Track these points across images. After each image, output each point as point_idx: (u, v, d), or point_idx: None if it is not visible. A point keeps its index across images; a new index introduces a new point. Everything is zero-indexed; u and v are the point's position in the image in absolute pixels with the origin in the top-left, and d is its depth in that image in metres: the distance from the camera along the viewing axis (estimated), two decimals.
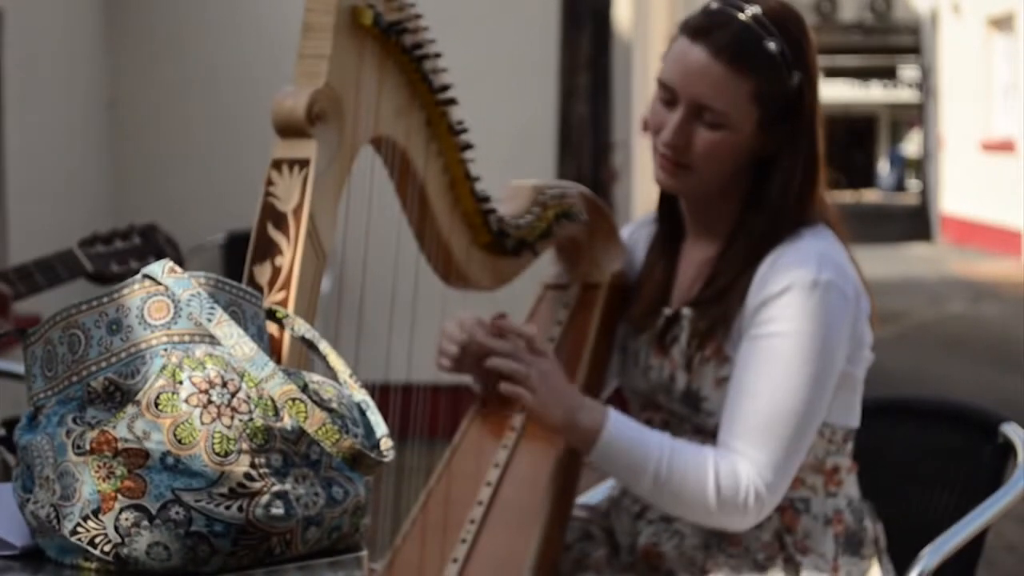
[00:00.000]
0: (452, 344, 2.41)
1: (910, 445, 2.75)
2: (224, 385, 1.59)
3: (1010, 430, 2.61)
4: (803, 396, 2.26)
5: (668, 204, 2.48)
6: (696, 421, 2.37)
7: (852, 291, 2.31)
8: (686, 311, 2.38)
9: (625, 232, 2.61)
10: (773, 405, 2.25)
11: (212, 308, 1.65)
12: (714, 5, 2.32)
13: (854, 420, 2.41)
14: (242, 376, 1.61)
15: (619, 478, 2.34)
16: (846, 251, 2.36)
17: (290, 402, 1.59)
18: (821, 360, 2.26)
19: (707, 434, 2.36)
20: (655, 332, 2.42)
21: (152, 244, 2.85)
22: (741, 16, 2.28)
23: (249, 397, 1.60)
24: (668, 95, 2.33)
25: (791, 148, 2.32)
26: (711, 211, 2.41)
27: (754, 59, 2.27)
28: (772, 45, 2.28)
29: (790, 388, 2.25)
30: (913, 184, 37.61)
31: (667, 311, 2.42)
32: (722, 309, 2.33)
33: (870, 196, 37.03)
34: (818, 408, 2.28)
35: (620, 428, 2.28)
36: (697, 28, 2.30)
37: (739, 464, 2.25)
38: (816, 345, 2.26)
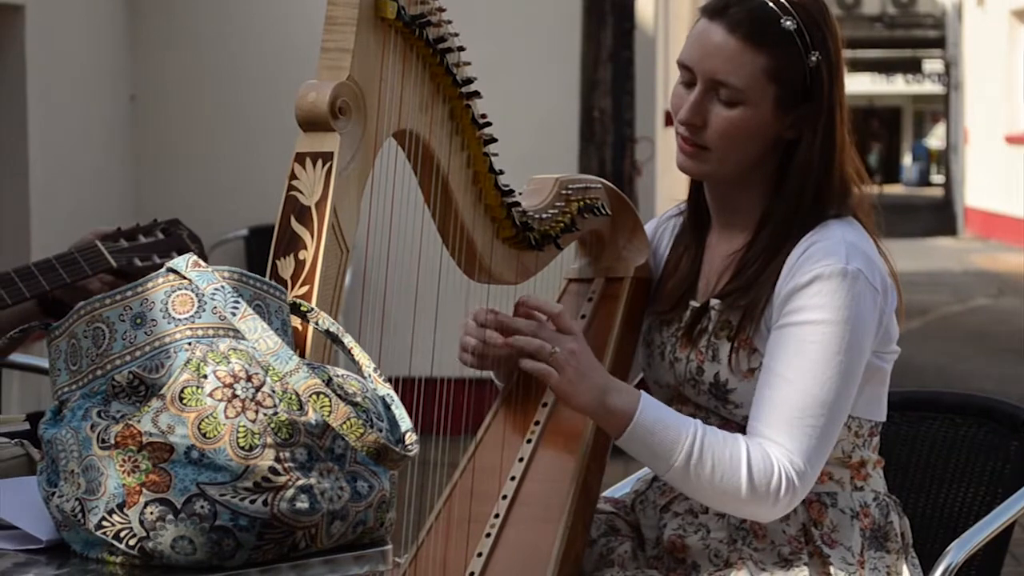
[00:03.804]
0: (472, 339, 2.41)
1: (936, 440, 2.74)
2: (248, 379, 1.59)
3: None
4: (833, 385, 2.25)
5: (696, 194, 2.48)
6: (723, 413, 2.37)
7: (880, 282, 2.30)
8: (714, 303, 2.37)
9: (650, 227, 2.60)
10: (804, 394, 2.25)
11: (236, 302, 1.65)
12: None
13: (881, 414, 2.40)
14: (266, 370, 1.61)
15: (648, 462, 2.32)
16: (875, 243, 2.36)
17: (314, 396, 1.59)
18: (851, 349, 2.26)
19: (734, 426, 2.35)
20: (682, 324, 2.42)
21: (175, 240, 2.86)
22: None
23: (273, 391, 1.60)
24: (687, 76, 2.35)
25: (810, 130, 2.32)
26: (736, 200, 2.41)
27: (770, 35, 2.29)
28: (789, 23, 2.29)
29: (820, 377, 2.25)
30: (937, 178, 37.52)
31: (694, 303, 2.41)
32: (750, 300, 2.33)
33: (894, 190, 36.93)
34: (847, 397, 2.28)
35: (653, 411, 2.26)
36: (715, 7, 2.33)
37: (772, 451, 2.25)
38: (845, 334, 2.25)
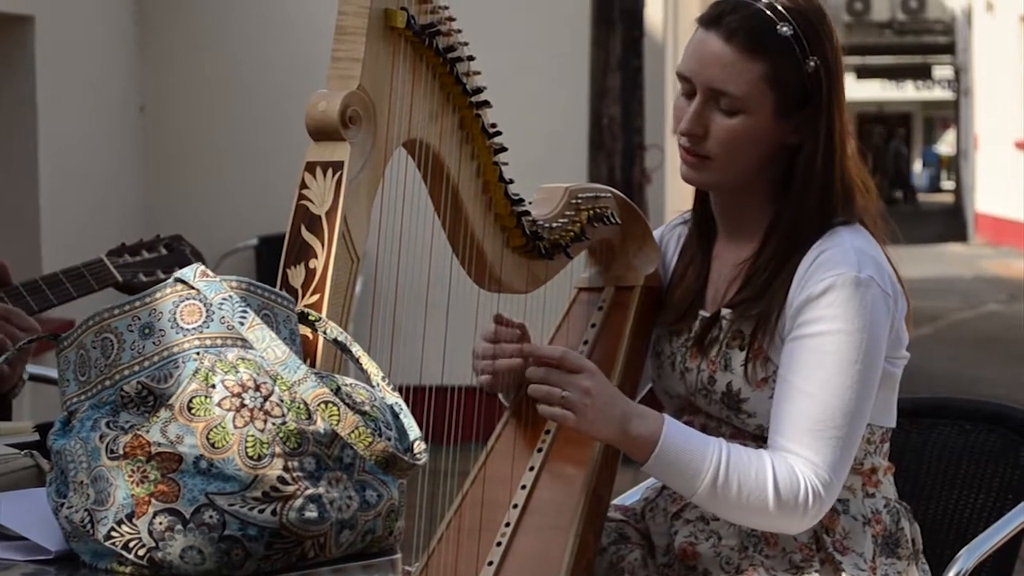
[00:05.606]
0: (485, 360, 2.40)
1: (946, 446, 2.74)
2: (257, 389, 1.60)
3: None
4: (852, 395, 2.25)
5: (701, 203, 2.48)
6: (735, 423, 2.36)
7: (891, 287, 2.31)
8: (725, 312, 2.37)
9: (655, 234, 2.60)
10: (824, 405, 2.25)
11: (244, 312, 1.65)
12: None
13: (891, 420, 2.40)
14: (275, 379, 1.61)
15: (674, 485, 2.32)
16: (883, 251, 2.36)
17: (323, 405, 1.59)
18: (867, 358, 2.26)
19: (746, 435, 2.35)
20: (691, 335, 2.41)
21: (178, 255, 2.88)
22: (755, 4, 2.30)
23: (282, 400, 1.60)
24: (687, 86, 2.36)
25: (812, 134, 2.32)
26: (742, 208, 2.41)
27: (767, 42, 2.29)
28: (785, 29, 2.29)
29: (839, 387, 2.25)
30: (947, 184, 37.48)
31: (703, 313, 2.41)
32: (762, 310, 2.33)
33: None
34: (866, 406, 2.28)
35: (676, 435, 2.26)
36: (711, 17, 2.33)
37: (796, 465, 2.24)
38: (861, 342, 2.25)
